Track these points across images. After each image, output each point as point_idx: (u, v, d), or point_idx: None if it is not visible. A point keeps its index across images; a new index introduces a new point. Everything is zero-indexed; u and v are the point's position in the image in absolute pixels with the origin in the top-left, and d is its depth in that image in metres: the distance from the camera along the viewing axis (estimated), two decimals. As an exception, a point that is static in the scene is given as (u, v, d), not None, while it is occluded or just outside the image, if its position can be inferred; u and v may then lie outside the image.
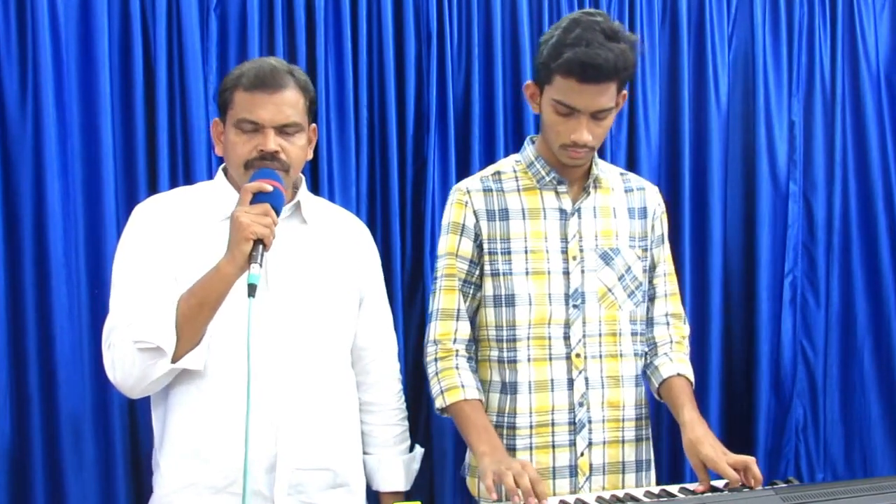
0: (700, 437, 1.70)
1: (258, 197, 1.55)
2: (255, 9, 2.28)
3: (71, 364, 2.13)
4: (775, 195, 2.68)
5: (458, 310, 1.86)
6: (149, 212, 1.73)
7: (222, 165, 1.79)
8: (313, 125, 1.78)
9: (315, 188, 2.34)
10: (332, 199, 2.33)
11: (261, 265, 1.48)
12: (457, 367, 1.84)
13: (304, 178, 1.81)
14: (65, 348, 2.13)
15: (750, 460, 1.63)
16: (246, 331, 1.40)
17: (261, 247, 1.49)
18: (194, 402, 1.65)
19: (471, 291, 1.87)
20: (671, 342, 1.92)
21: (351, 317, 1.82)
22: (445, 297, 1.87)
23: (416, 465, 1.96)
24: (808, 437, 2.73)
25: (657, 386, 1.88)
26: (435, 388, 1.85)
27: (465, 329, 1.87)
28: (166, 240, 1.66)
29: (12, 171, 2.15)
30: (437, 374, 1.85)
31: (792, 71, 2.69)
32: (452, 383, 1.82)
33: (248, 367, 1.41)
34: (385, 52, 2.37)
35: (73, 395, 2.15)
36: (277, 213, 1.55)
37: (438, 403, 1.84)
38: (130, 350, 1.57)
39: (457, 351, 1.86)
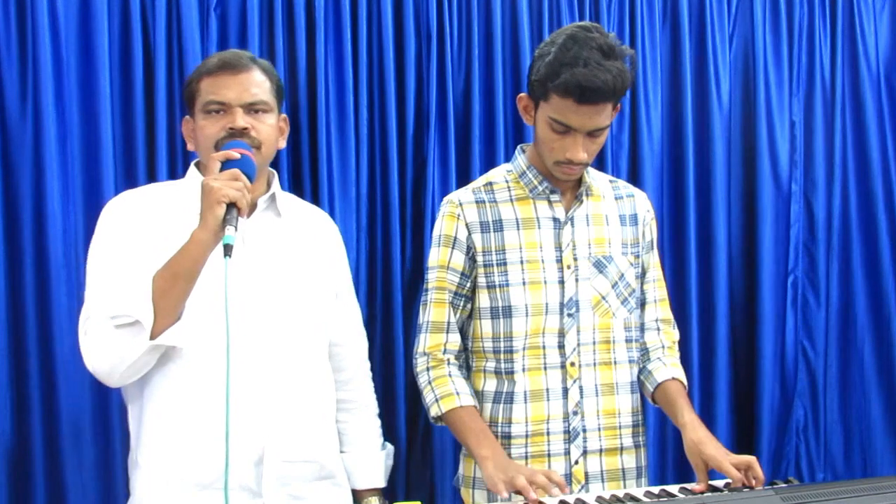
0: (702, 437, 1.71)
1: (227, 164, 1.54)
2: (255, 9, 2.28)
3: (71, 364, 2.13)
4: (777, 195, 2.68)
5: (449, 322, 1.86)
6: (121, 207, 1.71)
7: (195, 161, 1.77)
8: (283, 115, 1.78)
9: (315, 188, 2.35)
10: (331, 199, 2.34)
11: (236, 228, 1.46)
12: (450, 375, 1.84)
13: (276, 173, 1.80)
14: (65, 348, 2.13)
15: (752, 460, 1.63)
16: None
17: (235, 211, 1.47)
18: (174, 394, 1.62)
19: (461, 304, 1.87)
20: (663, 347, 1.92)
21: (328, 310, 1.81)
22: (435, 310, 1.86)
23: (391, 462, 1.96)
24: (808, 437, 2.72)
25: (651, 390, 1.88)
26: (429, 397, 1.84)
27: (455, 340, 1.87)
28: (140, 233, 1.64)
29: (12, 171, 2.15)
30: (429, 382, 1.84)
31: (792, 71, 2.69)
32: (447, 391, 1.81)
33: (227, 334, 1.38)
34: (385, 52, 2.37)
35: (73, 394, 2.15)
36: (249, 179, 1.54)
37: (434, 412, 1.82)
38: (107, 329, 1.54)
39: (447, 360, 1.85)
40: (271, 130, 1.70)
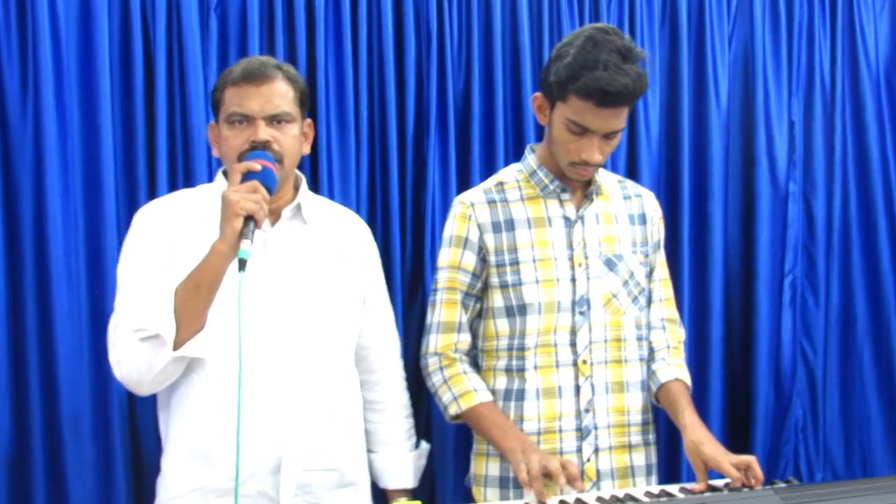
0: (702, 438, 1.72)
1: (247, 176, 1.55)
2: (255, 9, 2.28)
3: (71, 364, 2.13)
4: (775, 195, 2.68)
5: (460, 322, 1.87)
6: (151, 215, 1.73)
7: (222, 168, 1.79)
8: (308, 120, 1.78)
9: (315, 188, 2.34)
10: (331, 198, 2.33)
11: (252, 241, 1.48)
12: (464, 373, 1.85)
13: (304, 178, 1.81)
14: (65, 348, 2.13)
15: (751, 459, 1.64)
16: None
17: (252, 224, 1.49)
18: (197, 402, 1.65)
19: (471, 304, 1.88)
20: (668, 347, 1.93)
21: (354, 316, 1.81)
22: (446, 311, 1.87)
23: (423, 462, 1.97)
24: (807, 436, 2.72)
25: (655, 390, 1.89)
26: (446, 396, 1.84)
27: (465, 340, 1.88)
28: (170, 242, 1.66)
29: (12, 171, 2.15)
30: (445, 381, 1.85)
31: (792, 71, 2.69)
32: (465, 388, 1.82)
33: (240, 348, 1.41)
34: (385, 52, 2.37)
35: (73, 394, 2.14)
36: (270, 191, 1.55)
37: (453, 410, 1.83)
38: (133, 342, 1.57)
39: (459, 358, 1.87)
40: (293, 142, 1.70)
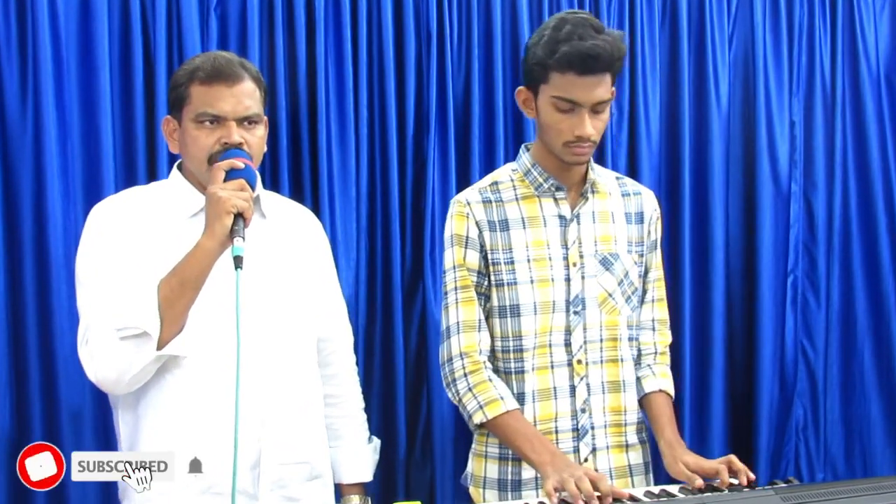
0: (680, 452, 1.74)
1: (231, 174, 1.54)
2: (255, 9, 2.28)
3: (71, 363, 2.13)
4: (776, 195, 2.68)
5: (479, 320, 1.83)
6: (109, 212, 1.69)
7: (177, 163, 1.76)
8: (265, 118, 1.76)
9: (315, 188, 2.35)
10: (331, 199, 2.34)
11: (244, 238, 1.47)
12: (490, 380, 1.80)
13: (258, 174, 1.79)
14: (65, 347, 2.13)
15: (730, 457, 1.66)
16: (233, 320, 1.39)
17: (241, 221, 1.49)
18: (173, 401, 1.61)
19: (482, 302, 1.86)
20: (655, 353, 1.93)
21: (317, 308, 1.81)
22: (465, 310, 1.83)
23: (377, 456, 1.95)
24: (808, 436, 2.72)
25: (638, 397, 1.89)
26: (471, 404, 1.79)
27: (486, 339, 1.84)
28: (131, 238, 1.63)
29: (12, 171, 2.15)
30: (470, 389, 1.80)
31: (792, 71, 2.69)
32: (491, 396, 1.78)
33: (238, 345, 1.39)
34: (385, 52, 2.37)
35: (73, 394, 2.15)
36: (252, 188, 1.55)
37: (478, 419, 1.78)
38: (112, 341, 1.54)
39: (484, 363, 1.82)
40: (261, 143, 1.70)
